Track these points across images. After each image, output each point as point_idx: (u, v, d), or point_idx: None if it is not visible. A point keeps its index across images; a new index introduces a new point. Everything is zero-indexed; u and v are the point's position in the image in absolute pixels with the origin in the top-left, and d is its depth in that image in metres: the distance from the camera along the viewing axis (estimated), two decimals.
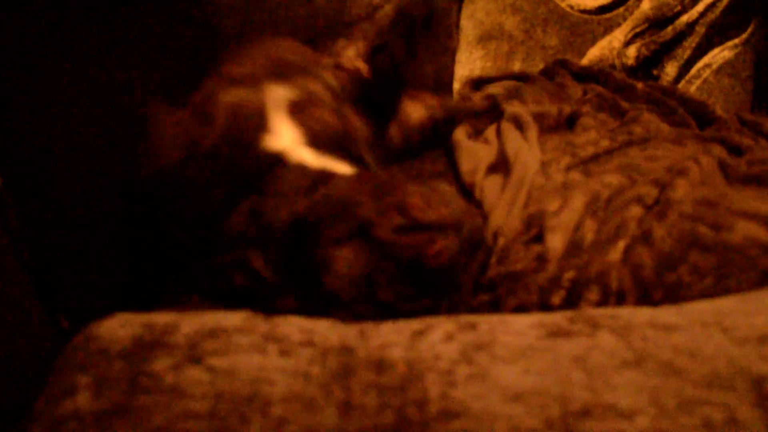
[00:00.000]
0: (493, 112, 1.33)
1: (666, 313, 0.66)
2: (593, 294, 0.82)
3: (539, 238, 0.91)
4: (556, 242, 0.88)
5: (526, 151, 1.16)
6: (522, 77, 1.77)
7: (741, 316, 0.64)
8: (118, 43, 1.12)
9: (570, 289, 0.82)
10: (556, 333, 0.62)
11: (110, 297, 0.91)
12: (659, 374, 0.56)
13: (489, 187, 1.09)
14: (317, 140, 0.95)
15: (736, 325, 0.62)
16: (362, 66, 1.19)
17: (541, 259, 0.86)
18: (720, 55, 1.84)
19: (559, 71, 1.76)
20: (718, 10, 1.82)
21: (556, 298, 0.82)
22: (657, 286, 0.80)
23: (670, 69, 1.84)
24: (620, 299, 0.81)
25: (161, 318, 0.66)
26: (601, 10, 1.86)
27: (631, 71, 1.83)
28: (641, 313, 0.66)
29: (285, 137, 0.93)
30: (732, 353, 0.58)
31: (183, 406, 0.55)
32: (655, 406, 0.53)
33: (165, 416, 0.54)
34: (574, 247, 0.88)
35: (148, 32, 1.21)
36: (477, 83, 1.78)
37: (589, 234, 0.89)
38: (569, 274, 0.83)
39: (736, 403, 0.53)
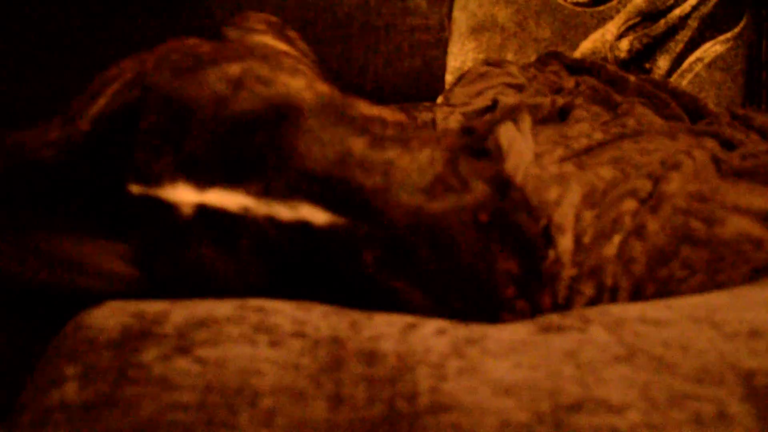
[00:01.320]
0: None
1: (657, 308, 0.66)
2: (588, 289, 0.82)
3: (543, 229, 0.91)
4: (567, 243, 0.88)
5: (520, 141, 1.16)
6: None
7: (731, 311, 0.65)
8: (109, 29, 1.12)
9: (569, 285, 0.83)
10: (548, 328, 0.62)
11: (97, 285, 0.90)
12: (650, 369, 0.56)
13: None
14: None
15: (726, 320, 0.62)
16: None
17: (556, 264, 0.85)
18: (712, 49, 1.84)
19: (552, 63, 1.77)
20: (710, 4, 1.83)
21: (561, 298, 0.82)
22: (649, 281, 0.80)
23: (663, 62, 1.85)
24: (613, 294, 0.81)
25: (152, 307, 0.65)
26: (594, 2, 1.86)
27: (624, 64, 1.84)
28: (633, 308, 0.66)
29: None
30: (722, 348, 0.58)
31: (171, 397, 0.54)
32: (646, 401, 0.53)
33: (153, 407, 0.53)
34: (577, 244, 0.88)
35: (140, 17, 1.21)
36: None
37: (589, 229, 0.89)
38: (572, 272, 0.83)
39: (726, 398, 0.53)
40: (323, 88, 0.81)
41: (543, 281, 0.72)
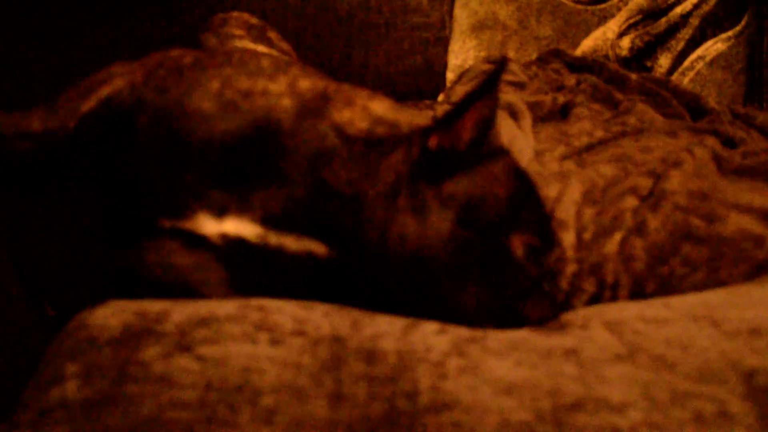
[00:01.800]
0: None
1: (657, 307, 0.66)
2: (589, 285, 0.82)
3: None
4: (570, 238, 0.87)
5: (521, 139, 1.16)
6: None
7: (732, 309, 0.65)
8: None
9: (571, 282, 0.82)
10: (549, 326, 0.62)
11: (98, 283, 0.90)
12: (651, 368, 0.56)
13: None
14: None
15: (727, 318, 0.62)
16: None
17: (559, 260, 0.84)
18: (713, 47, 1.84)
19: (553, 61, 1.77)
20: (711, 2, 1.82)
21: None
22: (650, 279, 0.80)
23: (664, 61, 1.85)
24: (614, 291, 0.81)
25: (154, 306, 0.65)
26: (596, 0, 1.85)
27: (625, 62, 1.84)
28: (633, 307, 0.66)
29: None
30: (723, 346, 0.58)
31: (172, 395, 0.54)
32: (647, 400, 0.53)
33: (153, 405, 0.53)
34: (577, 240, 0.88)
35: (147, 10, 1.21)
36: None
37: (590, 226, 0.89)
38: (573, 268, 0.83)
39: (727, 397, 0.53)
40: (305, 84, 0.81)
41: (520, 302, 0.72)
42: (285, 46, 1.53)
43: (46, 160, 0.83)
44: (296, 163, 0.74)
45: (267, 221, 0.74)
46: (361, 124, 0.77)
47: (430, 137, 0.74)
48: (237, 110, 0.76)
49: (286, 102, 0.77)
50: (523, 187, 0.75)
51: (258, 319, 0.63)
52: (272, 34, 1.52)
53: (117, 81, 0.82)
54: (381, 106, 0.81)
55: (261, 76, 0.81)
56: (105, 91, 0.81)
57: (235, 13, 1.54)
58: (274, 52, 1.42)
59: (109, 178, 0.79)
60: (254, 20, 1.53)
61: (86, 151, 0.81)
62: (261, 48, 1.42)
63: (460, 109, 0.73)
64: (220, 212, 0.74)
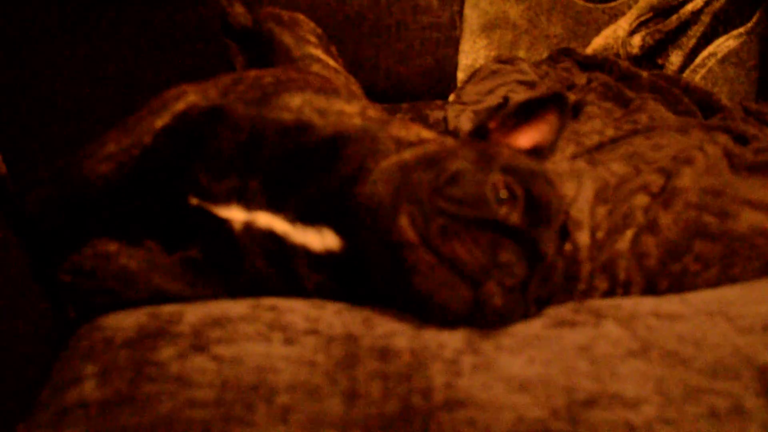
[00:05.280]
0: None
1: (670, 303, 0.66)
2: (602, 283, 0.82)
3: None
4: (584, 238, 0.87)
5: None
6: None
7: (745, 305, 0.64)
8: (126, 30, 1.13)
9: (587, 280, 0.83)
10: (561, 323, 0.62)
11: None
12: (664, 363, 0.56)
13: None
14: None
15: (740, 314, 0.62)
16: None
17: (574, 262, 0.84)
18: (725, 44, 1.83)
19: (564, 60, 1.76)
20: None
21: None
22: (662, 276, 0.80)
23: (675, 58, 1.84)
24: (627, 288, 0.81)
25: (166, 307, 0.66)
26: None
27: (636, 60, 1.83)
28: (645, 303, 0.66)
29: None
30: (737, 342, 0.58)
31: (188, 394, 0.55)
32: (661, 395, 0.53)
33: (170, 404, 0.54)
34: (591, 239, 0.88)
35: (154, 22, 1.22)
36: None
37: (602, 224, 0.89)
38: (587, 267, 0.83)
39: (741, 392, 0.53)
40: (373, 112, 0.90)
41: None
42: (340, 60, 1.56)
43: (124, 180, 0.87)
44: (349, 162, 0.79)
45: (296, 217, 0.77)
46: (412, 138, 0.84)
47: (491, 120, 0.81)
48: (312, 126, 0.83)
49: (357, 120, 0.85)
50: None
51: (271, 319, 0.63)
52: (333, 48, 1.56)
53: (190, 96, 0.89)
54: (429, 133, 0.89)
55: (338, 98, 0.91)
56: (179, 106, 0.88)
57: (301, 16, 1.58)
58: (339, 68, 1.46)
59: (164, 174, 0.85)
60: (319, 30, 1.57)
61: (157, 161, 0.86)
62: (330, 61, 1.46)
63: (526, 107, 0.82)
64: (253, 205, 0.79)
